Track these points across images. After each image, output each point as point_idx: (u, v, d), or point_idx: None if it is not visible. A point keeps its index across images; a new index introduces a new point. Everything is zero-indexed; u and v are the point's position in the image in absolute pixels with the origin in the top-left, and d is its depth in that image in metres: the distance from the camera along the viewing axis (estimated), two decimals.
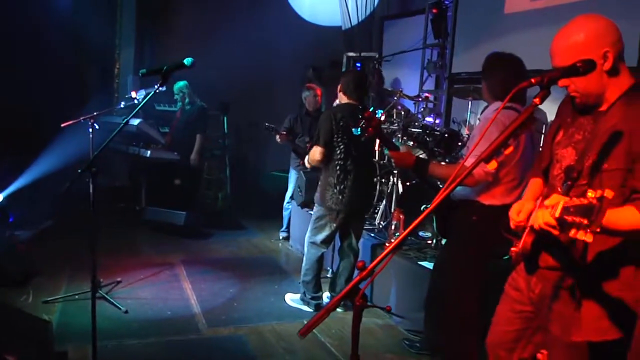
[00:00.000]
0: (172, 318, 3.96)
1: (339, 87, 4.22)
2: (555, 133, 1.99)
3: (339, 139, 4.03)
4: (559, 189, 1.83)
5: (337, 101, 4.44)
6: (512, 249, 1.96)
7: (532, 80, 1.57)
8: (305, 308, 4.27)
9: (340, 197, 4.04)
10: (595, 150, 1.73)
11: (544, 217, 1.56)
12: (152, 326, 3.79)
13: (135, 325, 3.78)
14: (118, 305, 3.99)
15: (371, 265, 1.54)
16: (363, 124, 3.14)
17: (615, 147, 1.69)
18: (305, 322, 4.04)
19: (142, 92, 4.76)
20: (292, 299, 4.39)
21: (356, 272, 4.58)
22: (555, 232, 1.54)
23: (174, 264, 5.14)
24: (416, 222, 1.60)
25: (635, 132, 1.66)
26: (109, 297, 4.08)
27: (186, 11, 7.99)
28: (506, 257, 3.94)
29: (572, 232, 1.40)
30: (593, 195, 1.36)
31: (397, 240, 1.57)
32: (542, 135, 4.53)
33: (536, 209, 1.92)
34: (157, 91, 2.83)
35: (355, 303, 1.51)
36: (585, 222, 1.36)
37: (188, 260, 5.29)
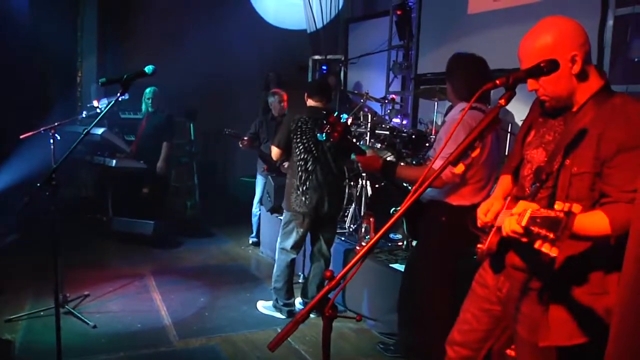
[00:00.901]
0: (142, 331, 3.88)
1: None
2: (526, 133, 1.98)
3: (298, 141, 4.03)
4: (527, 190, 1.84)
5: None
6: (478, 245, 1.97)
7: (497, 82, 1.56)
8: (278, 315, 4.24)
9: (303, 198, 4.02)
10: (565, 152, 1.72)
11: (510, 225, 1.56)
12: (121, 340, 3.70)
13: (104, 340, 3.69)
14: (86, 320, 3.88)
15: (339, 274, 1.52)
16: (328, 129, 3.12)
17: (584, 151, 1.68)
18: (279, 330, 4.02)
19: (105, 101, 4.67)
20: (265, 306, 4.35)
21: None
22: (524, 240, 1.54)
23: (143, 275, 5.04)
24: (384, 228, 1.59)
25: (604, 136, 1.66)
26: (76, 312, 3.97)
27: (149, 17, 7.85)
28: (476, 256, 3.99)
29: (538, 244, 1.39)
30: (560, 208, 1.36)
31: (365, 248, 1.55)
32: (509, 134, 4.60)
33: (504, 210, 1.92)
34: (119, 100, 2.77)
35: (324, 314, 1.49)
36: (551, 236, 1.36)
37: (157, 270, 5.20)
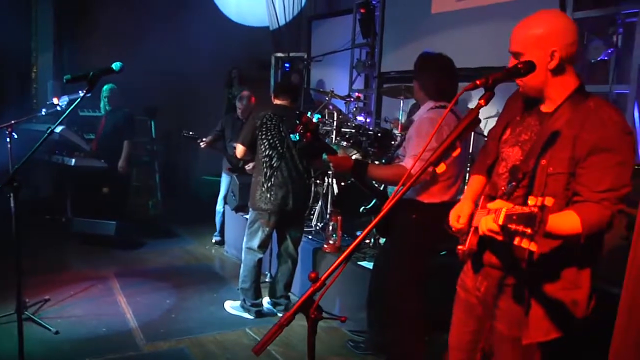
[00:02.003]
0: (107, 335, 3.77)
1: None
2: (503, 131, 2.00)
3: (263, 137, 4.03)
4: (503, 188, 1.87)
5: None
6: (459, 247, 1.97)
7: (477, 82, 1.58)
8: (247, 315, 4.20)
9: (268, 195, 4.01)
10: (541, 152, 1.76)
11: (487, 224, 1.58)
12: (86, 346, 3.58)
13: (68, 347, 3.57)
14: (47, 326, 3.74)
15: (323, 276, 1.52)
16: (301, 130, 3.11)
17: (560, 152, 1.72)
18: (248, 331, 4.00)
19: (65, 98, 4.51)
20: (233, 306, 4.31)
21: (309, 283, 4.56)
22: (499, 238, 1.57)
23: (106, 277, 4.91)
24: (366, 230, 1.59)
25: (579, 137, 1.70)
26: (36, 318, 3.82)
27: (109, 12, 7.64)
28: (444, 253, 4.06)
29: (517, 241, 1.42)
30: (534, 203, 1.39)
31: (348, 250, 1.55)
32: (473, 133, 4.69)
33: (478, 210, 1.96)
34: (84, 98, 2.69)
35: (309, 316, 1.49)
36: (529, 231, 1.39)
37: (121, 272, 5.07)
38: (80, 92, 4.95)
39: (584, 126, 1.70)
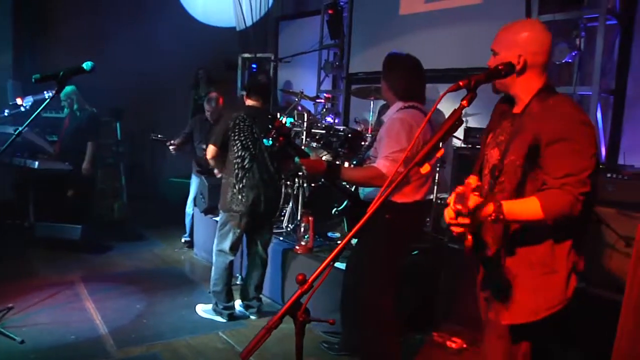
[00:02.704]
0: (76, 343, 3.66)
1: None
2: (486, 136, 2.12)
3: (235, 138, 4.00)
4: (486, 187, 1.93)
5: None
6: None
7: (460, 83, 1.64)
8: (219, 318, 4.16)
9: (239, 197, 3.99)
10: (512, 149, 1.92)
11: (447, 213, 1.72)
12: (54, 354, 3.48)
13: (34, 356, 3.44)
14: (11, 335, 3.59)
15: (311, 278, 1.52)
16: (274, 134, 3.10)
17: (528, 146, 1.87)
18: (221, 334, 3.96)
19: (30, 99, 4.38)
20: (204, 309, 4.26)
21: (278, 284, 4.57)
22: (456, 223, 1.70)
23: (73, 283, 4.78)
24: (352, 232, 1.60)
25: (543, 132, 1.84)
26: None
27: (71, 12, 7.45)
28: (416, 253, 4.11)
29: (459, 219, 1.61)
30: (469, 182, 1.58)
31: (334, 253, 1.57)
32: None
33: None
34: (51, 98, 2.63)
35: (297, 318, 1.48)
36: (460, 207, 1.57)
37: (88, 277, 4.95)
38: (45, 92, 4.84)
39: (543, 120, 1.86)
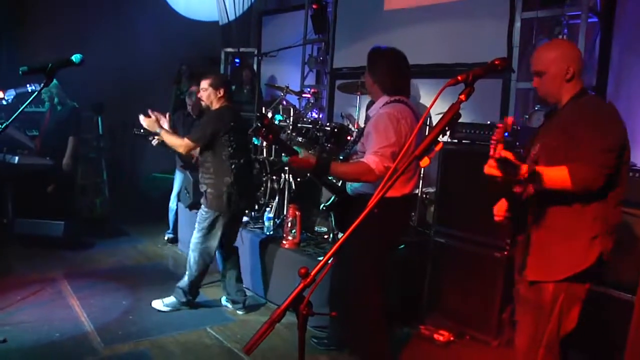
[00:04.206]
0: (61, 341, 3.60)
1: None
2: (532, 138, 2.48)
3: (232, 140, 3.99)
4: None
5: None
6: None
7: (459, 78, 1.65)
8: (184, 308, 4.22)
9: (233, 198, 4.00)
10: (548, 135, 2.29)
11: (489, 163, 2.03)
12: (38, 353, 3.42)
13: (18, 355, 3.37)
14: None
15: (313, 271, 1.52)
16: (264, 132, 3.08)
17: (553, 139, 2.25)
18: (209, 329, 3.95)
19: (12, 92, 4.28)
20: (166, 303, 4.22)
21: (259, 278, 4.57)
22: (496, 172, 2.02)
23: (56, 280, 4.70)
24: (354, 225, 1.62)
25: (575, 123, 2.18)
26: None
27: (50, 5, 7.29)
28: (403, 247, 4.13)
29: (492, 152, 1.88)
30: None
31: (335, 246, 1.58)
32: (427, 127, 4.80)
33: None
34: (38, 91, 2.58)
35: (300, 312, 1.48)
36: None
37: (71, 274, 4.87)
38: (28, 85, 4.75)
39: (574, 110, 2.23)
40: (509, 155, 1.88)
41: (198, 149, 4.10)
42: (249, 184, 4.09)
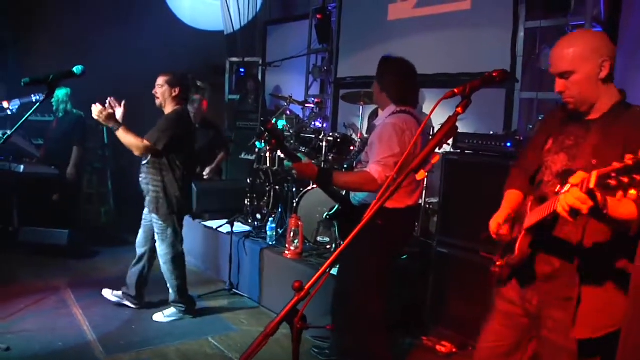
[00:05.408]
0: (64, 350, 3.61)
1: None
2: (544, 142, 2.09)
3: (189, 144, 4.16)
4: (551, 191, 1.91)
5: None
6: (494, 268, 2.10)
7: (455, 90, 1.64)
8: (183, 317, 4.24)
9: (184, 199, 4.12)
10: (591, 153, 1.85)
11: (573, 195, 1.56)
12: None
13: None
14: None
15: (308, 285, 1.52)
16: (266, 137, 3.09)
17: (611, 151, 1.78)
18: (211, 339, 3.94)
19: (17, 102, 4.32)
20: (167, 315, 4.23)
21: (281, 288, 4.57)
22: (585, 208, 1.56)
23: (60, 289, 4.72)
24: (348, 240, 1.61)
25: (630, 136, 1.79)
26: None
27: (56, 15, 7.36)
28: (405, 257, 4.12)
29: (619, 195, 1.43)
30: (630, 157, 1.40)
31: (330, 260, 1.58)
32: (430, 137, 4.80)
33: (528, 213, 1.96)
34: (39, 101, 2.61)
35: (295, 325, 1.48)
36: (626, 180, 1.40)
37: (75, 282, 4.89)
38: (33, 95, 4.80)
39: (633, 127, 1.81)
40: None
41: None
42: (190, 186, 4.18)
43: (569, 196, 1.58)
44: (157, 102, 4.13)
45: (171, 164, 4.01)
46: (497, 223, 2.10)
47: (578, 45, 1.89)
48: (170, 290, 4.20)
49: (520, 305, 2.08)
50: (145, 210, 4.19)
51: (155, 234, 4.12)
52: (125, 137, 3.93)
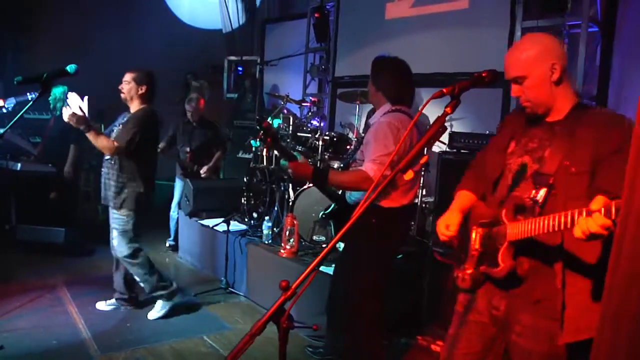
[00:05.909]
0: (58, 348, 3.61)
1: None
2: (507, 145, 2.05)
3: (155, 140, 4.22)
4: (529, 198, 1.87)
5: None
6: (460, 273, 2.01)
7: (444, 90, 1.64)
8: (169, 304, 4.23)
9: (146, 196, 4.10)
10: (562, 155, 1.83)
11: (597, 221, 1.52)
12: None
13: None
14: None
15: (294, 284, 1.52)
16: (262, 135, 3.09)
17: (582, 152, 1.79)
18: (206, 338, 3.95)
19: (12, 100, 4.32)
20: (158, 311, 4.23)
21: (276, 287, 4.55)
22: (606, 233, 1.52)
23: (55, 286, 4.72)
24: (336, 239, 1.61)
25: (600, 137, 1.78)
26: None
27: (55, 13, 7.37)
28: (401, 256, 4.12)
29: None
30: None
31: (317, 259, 1.57)
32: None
33: (508, 224, 1.87)
34: (34, 100, 2.61)
35: (281, 325, 1.48)
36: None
37: (71, 280, 4.89)
38: (28, 93, 4.79)
39: (603, 128, 1.79)
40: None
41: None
42: (153, 181, 4.17)
43: (592, 222, 1.53)
44: (122, 96, 4.09)
45: (136, 159, 4.00)
46: (445, 224, 2.06)
47: (527, 50, 1.90)
48: (142, 285, 4.17)
49: (488, 314, 2.03)
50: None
51: (115, 230, 4.09)
52: (96, 139, 3.92)
